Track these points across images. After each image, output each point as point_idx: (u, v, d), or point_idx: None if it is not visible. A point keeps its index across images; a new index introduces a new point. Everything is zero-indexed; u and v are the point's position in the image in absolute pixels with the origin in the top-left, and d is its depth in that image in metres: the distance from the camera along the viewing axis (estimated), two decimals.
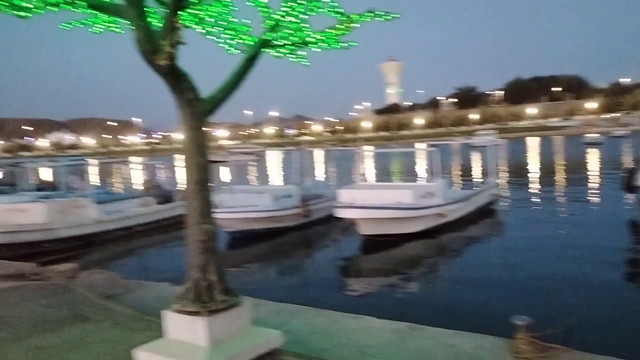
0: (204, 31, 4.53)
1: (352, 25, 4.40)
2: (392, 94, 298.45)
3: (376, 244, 14.27)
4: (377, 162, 48.35)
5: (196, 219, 4.51)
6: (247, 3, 4.23)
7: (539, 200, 22.69)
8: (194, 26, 4.41)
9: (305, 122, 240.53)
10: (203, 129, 4.49)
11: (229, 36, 4.68)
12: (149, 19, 4.03)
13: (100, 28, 4.70)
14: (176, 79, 4.16)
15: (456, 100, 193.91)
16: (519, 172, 36.16)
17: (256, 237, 16.02)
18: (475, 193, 18.76)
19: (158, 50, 3.89)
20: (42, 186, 23.58)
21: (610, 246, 13.00)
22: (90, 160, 23.20)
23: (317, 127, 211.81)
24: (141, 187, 24.62)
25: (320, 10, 4.41)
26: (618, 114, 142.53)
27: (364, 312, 7.18)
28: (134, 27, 3.94)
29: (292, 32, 4.49)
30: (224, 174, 28.32)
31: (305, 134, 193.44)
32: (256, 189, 20.01)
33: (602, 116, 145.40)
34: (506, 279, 10.82)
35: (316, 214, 17.81)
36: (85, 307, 7.08)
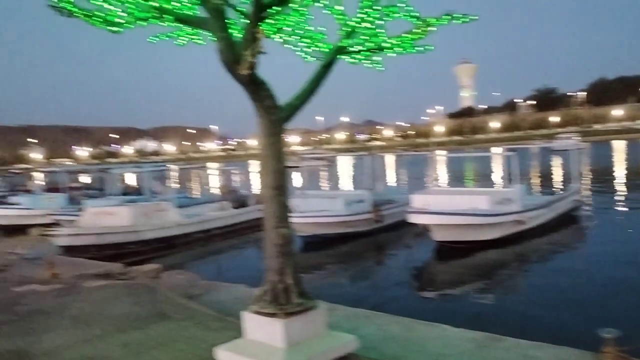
0: (282, 40, 4.65)
1: (428, 29, 4.36)
2: (466, 97, 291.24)
3: (450, 250, 13.95)
4: (450, 166, 47.28)
5: (273, 223, 4.62)
6: (323, 12, 4.31)
7: (626, 206, 21.26)
8: (273, 36, 4.54)
9: (376, 127, 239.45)
10: (280, 135, 4.60)
11: (305, 44, 4.78)
12: (230, 30, 4.19)
13: (184, 40, 4.94)
14: (256, 87, 4.29)
15: (535, 102, 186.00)
16: (603, 177, 34.06)
17: (328, 242, 16.12)
18: (556, 199, 17.92)
19: (239, 60, 4.04)
20: (128, 191, 25.00)
21: None
22: (171, 166, 24.32)
23: (388, 132, 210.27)
24: (218, 192, 25.53)
25: (396, 15, 4.40)
26: None
27: (438, 320, 7.04)
28: (216, 39, 4.11)
29: (367, 38, 4.52)
30: (296, 179, 28.76)
31: (376, 139, 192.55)
32: (329, 194, 20.16)
33: None
34: (590, 290, 10.24)
35: (388, 219, 17.68)
36: (168, 306, 7.42)
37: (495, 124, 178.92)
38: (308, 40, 4.76)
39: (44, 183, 30.42)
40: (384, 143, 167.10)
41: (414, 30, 4.44)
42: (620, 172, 38.99)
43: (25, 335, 6.49)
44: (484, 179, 34.49)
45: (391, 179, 34.31)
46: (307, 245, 16.15)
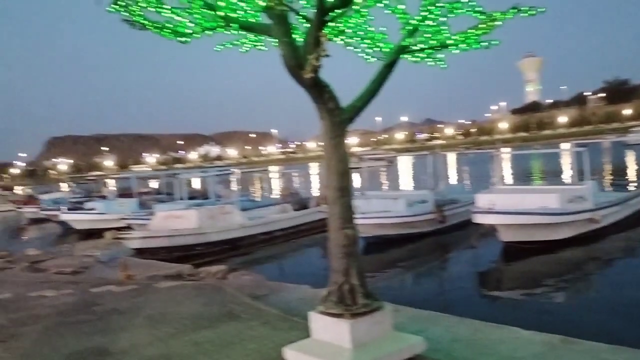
0: (343, 42, 4.68)
1: (494, 23, 4.25)
2: (532, 92, 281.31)
3: (518, 251, 13.50)
4: (515, 164, 45.74)
5: (338, 224, 4.65)
6: (385, 12, 4.29)
7: None
8: (334, 38, 4.58)
9: (436, 125, 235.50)
10: (343, 137, 4.62)
11: (366, 45, 4.78)
12: (292, 35, 4.27)
13: (247, 47, 5.06)
14: (319, 90, 4.34)
15: (605, 95, 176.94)
16: None
17: (390, 243, 16.00)
18: (631, 196, 16.98)
19: (303, 64, 4.10)
20: (194, 195, 25.85)
21: None
22: (235, 170, 24.95)
23: (448, 130, 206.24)
24: (279, 195, 25.92)
25: (459, 11, 4.32)
26: None
27: (506, 322, 6.82)
28: (280, 44, 4.19)
29: (430, 35, 4.46)
30: (356, 180, 28.75)
31: (436, 138, 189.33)
32: (390, 194, 20.00)
33: None
34: None
35: (452, 220, 17.33)
36: (235, 306, 7.61)
37: (562, 118, 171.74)
38: (369, 41, 4.76)
39: (116, 189, 31.98)
40: (444, 142, 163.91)
41: (479, 26, 4.34)
42: None
43: (104, 333, 6.84)
44: (552, 176, 33.15)
45: (453, 178, 33.62)
46: (369, 246, 16.10)
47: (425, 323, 6.77)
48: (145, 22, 4.31)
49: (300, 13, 4.43)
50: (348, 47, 4.73)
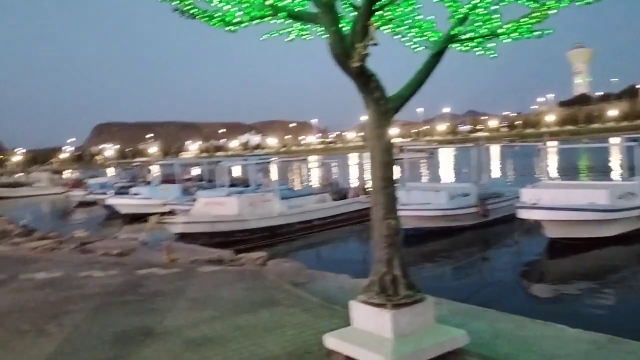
0: (391, 31, 4.62)
1: (548, 12, 4.11)
2: (580, 84, 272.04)
3: (564, 247, 13.14)
4: (562, 158, 44.37)
5: (381, 214, 4.62)
6: (433, 0, 4.21)
7: None
8: (382, 27, 4.53)
9: (480, 117, 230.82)
10: (388, 127, 4.59)
11: (414, 34, 4.71)
12: (339, 24, 4.24)
13: (293, 36, 5.07)
14: (365, 79, 4.30)
15: None
16: None
17: (431, 235, 15.83)
18: None
19: (350, 52, 4.08)
20: (235, 182, 26.24)
21: None
22: (274, 159, 25.14)
23: (492, 123, 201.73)
24: (318, 184, 26.01)
25: None
26: None
27: (551, 319, 6.66)
28: (327, 33, 4.18)
29: (481, 24, 4.35)
30: (396, 171, 28.47)
31: (479, 130, 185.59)
32: (432, 186, 19.75)
33: None
34: None
35: (495, 214, 17.01)
36: (276, 293, 7.71)
37: (613, 112, 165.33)
38: (417, 30, 4.69)
39: (160, 175, 32.77)
40: (487, 134, 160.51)
41: (532, 14, 4.21)
42: None
43: (149, 314, 7.05)
44: (601, 171, 32.03)
45: (497, 171, 32.91)
46: (409, 238, 15.95)
47: (466, 317, 6.69)
48: (196, 12, 4.37)
49: (347, 1, 4.40)
50: (395, 36, 4.67)
